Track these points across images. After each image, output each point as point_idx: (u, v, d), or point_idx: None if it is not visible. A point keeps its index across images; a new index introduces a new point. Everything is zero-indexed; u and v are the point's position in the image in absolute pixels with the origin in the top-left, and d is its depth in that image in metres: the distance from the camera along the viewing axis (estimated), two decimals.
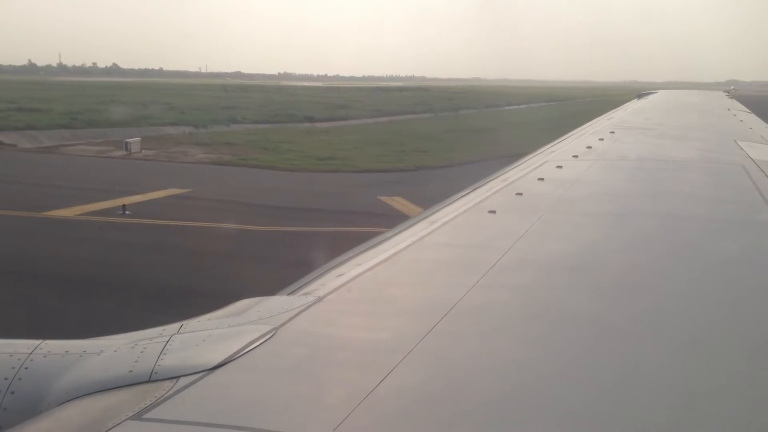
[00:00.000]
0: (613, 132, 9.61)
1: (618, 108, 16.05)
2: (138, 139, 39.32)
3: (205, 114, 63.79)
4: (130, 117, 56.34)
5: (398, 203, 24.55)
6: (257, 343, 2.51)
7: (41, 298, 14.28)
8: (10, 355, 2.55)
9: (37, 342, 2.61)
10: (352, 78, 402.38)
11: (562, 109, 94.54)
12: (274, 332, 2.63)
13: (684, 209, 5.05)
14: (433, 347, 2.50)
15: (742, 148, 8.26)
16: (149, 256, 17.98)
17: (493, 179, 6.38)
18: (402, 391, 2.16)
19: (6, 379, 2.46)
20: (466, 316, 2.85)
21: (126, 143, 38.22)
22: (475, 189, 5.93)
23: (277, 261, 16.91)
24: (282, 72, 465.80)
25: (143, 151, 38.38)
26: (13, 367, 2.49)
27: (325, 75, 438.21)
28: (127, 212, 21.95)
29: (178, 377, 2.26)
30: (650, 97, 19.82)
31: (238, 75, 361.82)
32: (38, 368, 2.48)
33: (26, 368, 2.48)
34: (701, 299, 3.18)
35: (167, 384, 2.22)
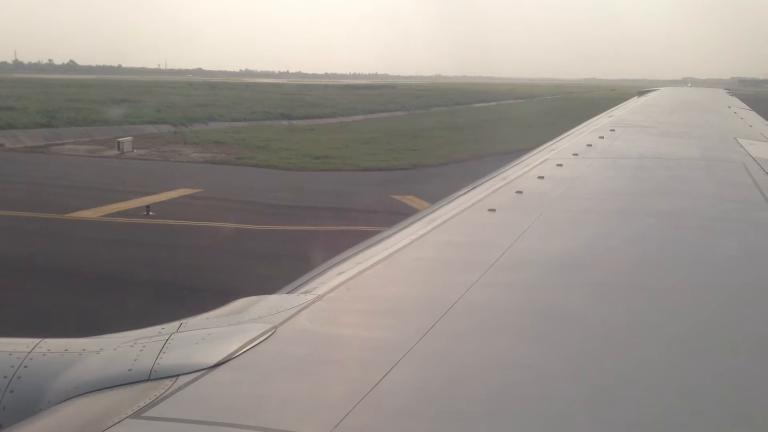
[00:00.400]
0: (613, 130, 9.58)
1: (618, 106, 16.32)
2: (130, 138, 38.68)
3: (182, 112, 62.78)
4: (112, 115, 55.33)
5: (413, 202, 24.68)
6: (257, 342, 2.51)
7: (112, 303, 13.99)
8: (9, 354, 2.54)
9: (36, 340, 2.60)
10: (314, 75, 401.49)
11: (530, 106, 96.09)
12: (273, 331, 2.62)
13: (684, 207, 5.01)
14: (432, 346, 2.49)
15: (742, 146, 8.29)
16: (196, 257, 17.77)
17: (493, 177, 6.38)
18: (401, 390, 2.16)
19: (5, 377, 2.45)
20: (465, 314, 2.83)
21: (118, 143, 37.52)
22: (474, 187, 5.93)
23: (321, 260, 16.89)
24: (243, 69, 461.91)
25: (135, 151, 37.76)
26: (12, 366, 2.48)
27: (287, 72, 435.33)
28: (151, 213, 21.75)
29: (177, 376, 2.25)
30: (650, 94, 20.44)
31: (198, 72, 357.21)
32: (37, 367, 2.47)
33: (25, 367, 2.47)
34: (701, 297, 3.15)
35: (167, 382, 2.22)
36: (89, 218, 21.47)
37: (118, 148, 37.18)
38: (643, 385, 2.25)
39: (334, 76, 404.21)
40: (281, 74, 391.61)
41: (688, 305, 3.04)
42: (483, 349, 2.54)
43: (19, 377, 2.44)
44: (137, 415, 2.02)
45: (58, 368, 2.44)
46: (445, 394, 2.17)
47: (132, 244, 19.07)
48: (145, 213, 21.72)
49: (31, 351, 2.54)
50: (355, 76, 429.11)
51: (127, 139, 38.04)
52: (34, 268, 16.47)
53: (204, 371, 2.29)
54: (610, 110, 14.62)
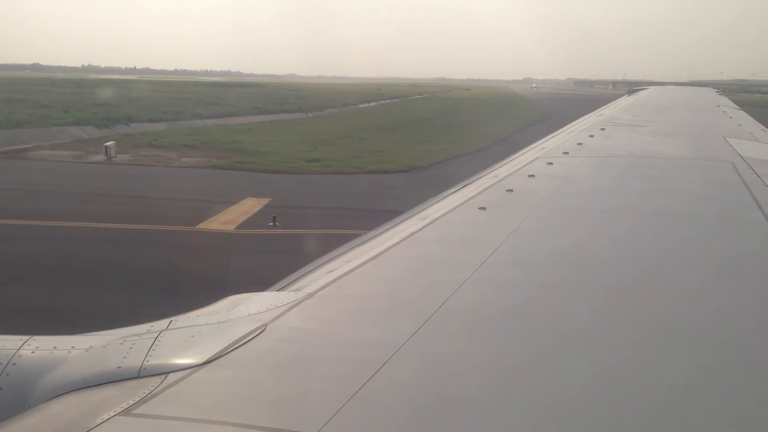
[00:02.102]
0: (603, 129, 9.71)
1: (608, 104, 17.19)
2: (114, 142, 35.88)
3: (91, 113, 58.48)
4: (30, 118, 50.50)
5: None
6: (246, 340, 2.50)
7: None
8: None
9: (25, 338, 2.59)
10: (164, 72, 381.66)
11: (422, 105, 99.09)
12: (263, 328, 2.62)
13: (673, 206, 5.06)
14: (422, 344, 2.50)
15: (731, 145, 8.40)
16: None
17: (484, 176, 6.46)
18: (391, 388, 2.17)
19: None
20: (456, 312, 2.86)
21: (106, 147, 34.88)
22: (465, 186, 6.00)
23: None
24: (86, 64, 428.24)
25: (118, 156, 35.19)
26: (1, 363, 2.47)
27: (134, 68, 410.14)
28: (277, 224, 20.96)
29: (167, 373, 2.25)
30: (641, 93, 21.21)
31: (36, 67, 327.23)
32: (26, 364, 2.46)
33: (14, 364, 2.45)
34: (690, 295, 3.21)
35: (156, 380, 2.21)
36: (224, 230, 20.54)
37: (106, 153, 34.55)
38: (632, 381, 2.28)
39: (185, 72, 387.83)
40: (128, 70, 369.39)
41: (676, 303, 3.07)
42: (473, 347, 2.55)
43: (7, 374, 2.42)
44: (126, 412, 2.01)
45: (47, 366, 2.42)
46: (434, 391, 2.17)
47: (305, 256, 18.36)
48: (271, 224, 20.90)
49: (19, 348, 2.51)
50: (206, 73, 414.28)
51: (112, 144, 35.34)
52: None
53: (193, 369, 2.27)
54: (600, 109, 14.95)
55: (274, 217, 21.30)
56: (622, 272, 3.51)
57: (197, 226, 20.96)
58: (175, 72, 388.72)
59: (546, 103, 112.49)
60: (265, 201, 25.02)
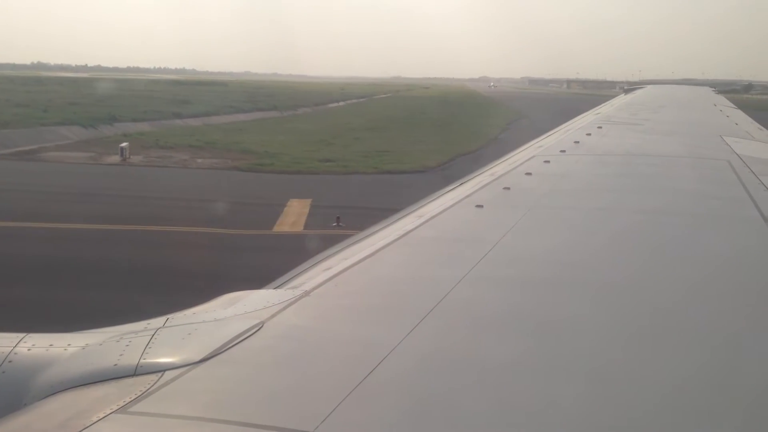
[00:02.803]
0: (600, 127, 9.85)
1: (605, 103, 17.39)
2: (127, 144, 35.14)
3: (71, 112, 57.09)
4: (8, 117, 49.03)
5: None
6: (243, 337, 2.50)
7: None
8: None
9: (21, 335, 2.59)
10: (116, 69, 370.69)
11: (401, 103, 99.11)
12: (260, 326, 2.61)
13: (670, 204, 5.08)
14: (419, 341, 2.50)
15: (727, 144, 8.45)
16: None
17: (481, 174, 6.51)
18: (388, 385, 2.17)
19: None
20: (453, 310, 2.86)
21: (122, 149, 34.13)
22: (462, 183, 6.05)
23: None
24: (35, 62, 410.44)
25: (131, 157, 34.51)
26: None
27: (86, 65, 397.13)
28: (341, 224, 21.05)
29: (163, 371, 2.24)
30: (637, 92, 21.44)
31: None
32: (22, 361, 2.45)
33: (10, 361, 2.44)
34: (686, 293, 3.21)
35: (152, 378, 2.21)
36: (300, 233, 20.54)
37: (121, 155, 33.86)
38: (629, 379, 2.28)
39: (138, 70, 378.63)
40: (79, 68, 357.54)
41: (673, 301, 3.08)
42: (470, 345, 2.55)
43: (3, 372, 2.41)
44: (123, 410, 2.00)
45: (43, 363, 2.42)
46: (431, 388, 2.18)
47: None
48: (335, 224, 20.96)
49: (15, 346, 2.51)
50: (160, 70, 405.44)
51: (126, 145, 34.66)
52: None
53: (190, 366, 2.27)
54: (597, 107, 15.08)
55: (338, 218, 21.33)
56: (619, 270, 3.54)
57: (273, 230, 20.89)
58: (128, 69, 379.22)
59: (513, 102, 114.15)
60: (308, 202, 25.01)
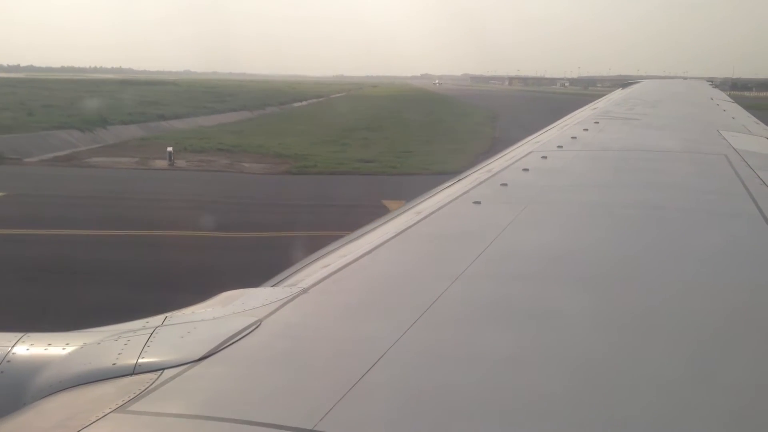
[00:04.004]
0: (597, 122, 9.73)
1: (601, 98, 16.94)
2: (171, 148, 34.24)
3: (57, 115, 54.98)
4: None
5: None
6: (242, 335, 2.51)
7: None
8: None
9: (19, 335, 2.58)
10: (50, 69, 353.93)
11: (367, 102, 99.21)
12: (258, 324, 2.61)
13: (668, 199, 5.06)
14: (418, 339, 2.50)
15: (724, 138, 8.34)
16: None
17: (478, 170, 6.48)
18: (387, 382, 2.17)
19: None
20: (451, 307, 2.85)
21: (169, 153, 33.28)
22: (459, 180, 6.02)
23: None
24: None
25: (175, 162, 33.71)
26: None
27: (18, 65, 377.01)
28: None
29: (162, 370, 2.25)
30: (634, 86, 20.80)
31: None
32: (20, 361, 2.45)
33: (8, 362, 2.44)
34: (684, 288, 3.19)
35: (151, 376, 2.21)
36: None
37: (169, 159, 33.05)
38: (628, 374, 2.28)
39: (72, 69, 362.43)
40: (12, 68, 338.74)
41: (671, 295, 3.07)
42: (468, 342, 2.54)
43: (1, 372, 2.41)
44: (122, 409, 2.01)
45: (41, 363, 2.41)
46: (430, 386, 2.16)
47: None
48: None
49: (13, 345, 2.51)
50: (96, 69, 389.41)
51: (171, 150, 33.82)
52: None
53: (189, 365, 2.27)
54: (593, 102, 15.05)
55: None
56: (617, 265, 3.55)
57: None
58: (62, 69, 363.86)
59: (475, 100, 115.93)
60: (400, 202, 25.18)
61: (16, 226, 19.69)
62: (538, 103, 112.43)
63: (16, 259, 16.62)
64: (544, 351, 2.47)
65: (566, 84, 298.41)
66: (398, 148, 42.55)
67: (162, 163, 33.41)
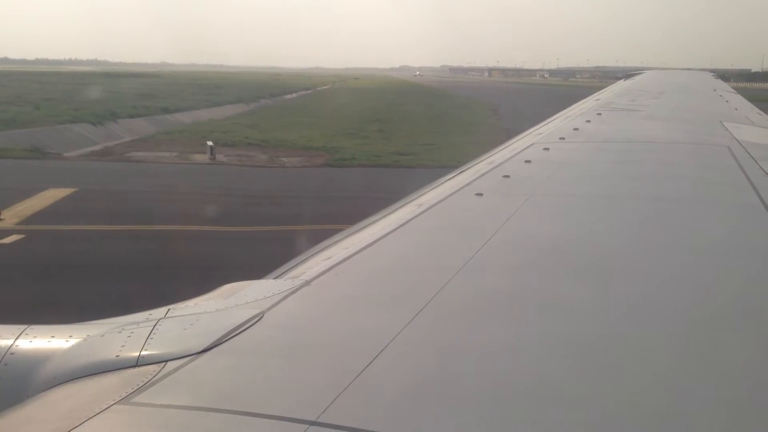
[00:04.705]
0: (599, 113, 9.67)
1: (604, 89, 16.93)
2: (212, 143, 33.89)
3: (64, 110, 53.85)
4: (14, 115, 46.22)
5: None
6: (244, 327, 2.51)
7: None
8: None
9: (22, 327, 2.59)
10: (24, 61, 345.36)
11: (358, 95, 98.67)
12: (261, 316, 2.62)
13: (670, 191, 5.06)
14: (420, 331, 2.50)
15: (727, 129, 8.31)
16: None
17: (480, 162, 6.45)
18: (390, 374, 2.17)
19: None
20: (454, 298, 2.85)
21: (211, 148, 32.88)
22: (462, 172, 6.01)
23: None
24: None
25: (216, 157, 33.36)
26: None
27: None
28: None
29: (165, 361, 2.26)
30: (636, 77, 20.43)
31: None
32: (24, 353, 2.46)
33: (12, 354, 2.46)
34: (687, 280, 3.19)
35: (154, 368, 2.22)
36: None
37: (211, 154, 32.67)
38: (632, 367, 2.27)
39: (47, 62, 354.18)
40: None
41: (675, 289, 3.07)
42: (471, 334, 2.54)
43: (5, 364, 2.43)
44: (125, 401, 2.01)
45: (44, 355, 2.43)
46: (433, 378, 2.16)
47: None
48: None
49: (17, 338, 2.52)
50: (71, 62, 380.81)
51: (212, 145, 33.44)
52: None
53: (192, 357, 2.28)
54: (595, 94, 14.99)
55: None
56: (619, 256, 3.56)
57: None
58: (37, 61, 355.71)
59: (464, 91, 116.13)
60: None
61: (113, 222, 19.45)
62: (527, 94, 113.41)
63: (150, 255, 16.57)
64: (547, 342, 2.46)
65: (546, 75, 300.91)
66: (420, 140, 42.60)
67: (203, 158, 33.12)
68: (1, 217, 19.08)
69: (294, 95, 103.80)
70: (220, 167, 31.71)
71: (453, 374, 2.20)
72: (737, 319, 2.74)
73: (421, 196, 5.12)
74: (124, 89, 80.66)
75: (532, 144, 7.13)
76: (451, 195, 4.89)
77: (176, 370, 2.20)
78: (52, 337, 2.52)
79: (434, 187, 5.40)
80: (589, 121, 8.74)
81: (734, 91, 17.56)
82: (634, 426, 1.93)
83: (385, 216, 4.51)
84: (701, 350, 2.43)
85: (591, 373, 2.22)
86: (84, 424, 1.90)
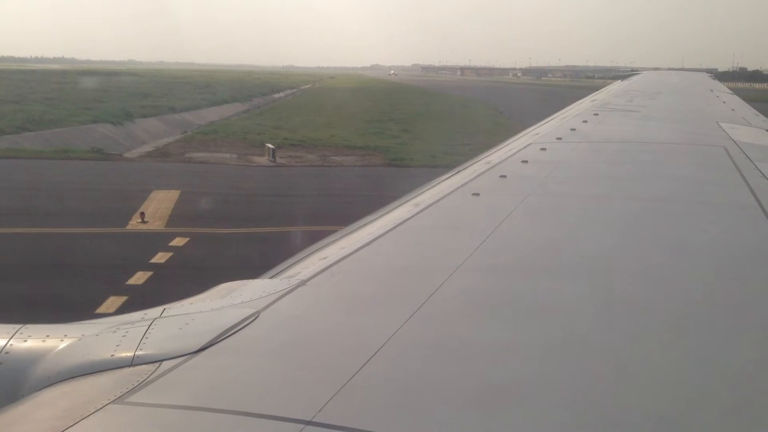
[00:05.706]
0: (596, 114, 9.68)
1: (601, 90, 16.83)
2: (272, 146, 33.46)
3: (78, 109, 52.84)
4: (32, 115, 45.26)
5: None
6: (240, 327, 2.51)
7: None
8: None
9: (17, 326, 2.58)
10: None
11: (347, 94, 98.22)
12: (256, 316, 2.61)
13: (667, 191, 5.05)
14: (416, 331, 2.49)
15: (724, 130, 8.31)
16: None
17: (477, 162, 6.45)
18: (385, 374, 2.16)
19: None
20: (450, 298, 2.84)
21: (272, 150, 32.55)
22: (458, 172, 5.99)
23: None
24: None
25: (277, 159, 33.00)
26: None
27: None
28: None
29: (160, 361, 2.25)
30: (633, 78, 20.51)
31: None
32: (19, 353, 2.45)
33: (6, 353, 2.44)
34: (683, 281, 3.18)
35: (150, 368, 2.21)
36: None
37: (272, 156, 32.37)
38: (631, 371, 2.24)
39: (14, 59, 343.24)
40: None
41: (670, 288, 3.06)
42: (467, 334, 2.54)
43: (0, 364, 2.42)
44: (120, 401, 2.01)
45: (39, 354, 2.42)
46: (428, 378, 2.15)
47: None
48: None
49: (12, 337, 2.51)
50: (38, 60, 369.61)
51: (274, 147, 33.08)
52: None
53: (187, 356, 2.28)
54: (592, 94, 14.93)
55: None
56: (616, 258, 3.55)
57: None
58: (3, 59, 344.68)
59: (450, 90, 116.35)
60: None
61: (252, 225, 19.51)
62: (513, 92, 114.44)
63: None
64: (542, 342, 2.45)
65: (518, 74, 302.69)
66: (452, 140, 42.62)
67: (262, 159, 32.80)
68: (145, 220, 18.95)
69: (282, 94, 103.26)
70: (288, 169, 31.25)
71: (448, 374, 2.18)
72: (733, 319, 2.74)
73: (417, 195, 5.06)
74: (113, 88, 79.20)
75: (529, 144, 7.12)
76: (447, 195, 4.87)
77: (171, 369, 2.19)
78: (47, 336, 2.50)
79: (431, 187, 5.35)
80: (585, 122, 8.79)
81: (731, 91, 17.67)
82: (631, 425, 1.93)
83: (381, 216, 4.48)
84: (696, 350, 2.43)
85: (587, 372, 2.22)
86: (79, 423, 1.90)
